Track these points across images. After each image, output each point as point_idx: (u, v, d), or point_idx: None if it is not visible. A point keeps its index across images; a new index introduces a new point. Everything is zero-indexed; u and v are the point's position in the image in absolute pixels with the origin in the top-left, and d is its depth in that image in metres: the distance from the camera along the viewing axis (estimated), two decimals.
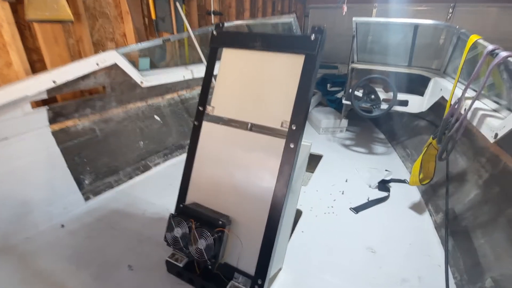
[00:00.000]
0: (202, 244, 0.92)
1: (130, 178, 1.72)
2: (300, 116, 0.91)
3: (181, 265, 1.03)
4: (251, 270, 0.95)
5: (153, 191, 1.63)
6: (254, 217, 0.96)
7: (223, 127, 1.06)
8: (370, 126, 2.90)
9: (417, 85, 2.30)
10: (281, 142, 0.93)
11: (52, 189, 1.41)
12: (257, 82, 1.00)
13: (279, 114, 0.95)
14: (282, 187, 0.92)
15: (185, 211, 1.01)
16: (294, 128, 0.91)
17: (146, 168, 1.83)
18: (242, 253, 0.95)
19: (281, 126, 0.93)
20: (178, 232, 0.97)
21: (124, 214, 1.43)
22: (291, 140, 0.91)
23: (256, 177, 0.98)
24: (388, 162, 2.12)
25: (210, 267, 0.92)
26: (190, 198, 1.10)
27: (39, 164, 1.38)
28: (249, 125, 1.01)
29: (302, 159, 1.00)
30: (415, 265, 1.18)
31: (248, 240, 0.95)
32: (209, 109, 1.07)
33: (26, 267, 1.09)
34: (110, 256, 1.16)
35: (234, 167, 1.01)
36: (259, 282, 0.92)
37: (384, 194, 1.67)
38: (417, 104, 2.13)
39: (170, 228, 0.98)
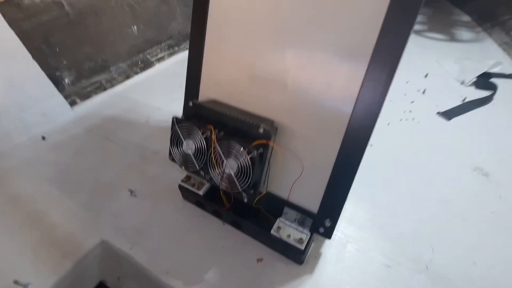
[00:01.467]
0: (231, 166, 0.53)
1: (127, 77, 1.29)
2: None
3: (200, 192, 0.69)
4: (313, 206, 0.58)
5: (158, 94, 1.22)
6: (321, 126, 0.53)
7: None
8: (447, 6, 2.09)
9: None
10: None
11: (20, 90, 1.02)
12: None
13: None
14: (378, 83, 0.45)
15: (199, 113, 0.59)
16: None
17: (147, 64, 1.37)
18: (298, 180, 0.57)
19: None
20: (188, 146, 0.57)
21: (121, 123, 1.06)
22: None
23: (329, 59, 0.50)
24: (482, 51, 1.49)
25: (245, 200, 0.55)
26: (204, 94, 0.66)
27: None
28: None
29: None
30: None
31: (307, 161, 0.56)
32: None
33: None
34: (105, 177, 0.84)
35: (286, 39, 0.52)
36: (327, 223, 0.57)
37: (486, 93, 1.15)
38: None
39: (175, 140, 0.59)
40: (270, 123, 0.56)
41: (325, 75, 0.51)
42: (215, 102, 0.63)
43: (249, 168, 0.51)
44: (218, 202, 0.67)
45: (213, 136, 0.53)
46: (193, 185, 0.70)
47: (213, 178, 0.56)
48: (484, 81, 1.19)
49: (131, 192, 0.79)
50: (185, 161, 0.59)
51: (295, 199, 0.60)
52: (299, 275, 0.60)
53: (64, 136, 1.01)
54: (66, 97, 1.11)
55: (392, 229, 0.69)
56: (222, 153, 0.53)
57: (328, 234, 0.57)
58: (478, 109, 1.08)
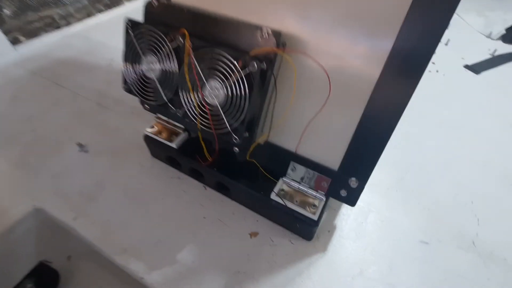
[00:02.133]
0: (214, 92, 0.34)
1: (88, 15, 1.04)
2: None
3: (173, 145, 0.50)
4: (332, 160, 0.41)
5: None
6: (353, 37, 0.34)
7: None
8: None
9: None
10: None
11: None
12: None
13: None
14: None
15: (167, 17, 0.39)
16: None
17: (115, 2, 1.11)
18: (313, 125, 0.39)
19: None
20: (150, 65, 0.37)
21: (77, 66, 0.83)
22: None
23: None
24: (501, 4, 1.32)
25: (236, 148, 0.37)
26: None
27: None
28: None
29: None
30: None
31: (321, 94, 0.37)
32: None
33: None
34: (47, 128, 0.63)
35: None
36: (353, 184, 0.40)
37: None
38: None
39: (130, 56, 0.39)
40: (277, 34, 0.37)
41: None
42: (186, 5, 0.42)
43: (244, 93, 0.32)
44: (198, 157, 0.48)
45: (187, 43, 0.33)
46: (162, 134, 0.51)
47: (188, 113, 0.37)
48: None
49: (81, 146, 0.59)
50: (146, 90, 0.39)
51: (306, 150, 0.42)
52: (308, 255, 0.44)
53: (1, 79, 0.77)
54: (6, 33, 0.86)
55: (425, 196, 0.53)
56: (202, 70, 0.34)
57: (352, 199, 0.41)
58: (510, 63, 0.92)
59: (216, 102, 0.34)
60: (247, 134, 0.36)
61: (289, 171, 0.44)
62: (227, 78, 0.32)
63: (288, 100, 0.38)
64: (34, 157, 0.57)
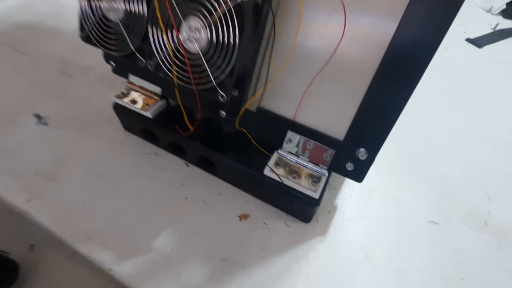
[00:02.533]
0: (194, 33, 0.26)
1: None
2: None
3: (148, 114, 0.42)
4: (337, 128, 0.34)
5: None
6: None
7: None
8: None
9: None
10: None
11: None
12: None
13: None
14: None
15: None
16: None
17: None
18: (315, 85, 0.32)
19: None
20: (110, 1, 0.29)
21: (39, 31, 0.72)
22: None
23: None
24: None
25: (223, 114, 0.30)
26: None
27: None
28: None
29: None
30: None
31: (325, 46, 0.30)
32: None
33: None
34: (2, 98, 0.54)
35: None
36: (361, 155, 0.33)
37: None
38: None
39: None
40: None
41: None
42: None
43: (233, 33, 0.25)
44: (178, 127, 0.41)
45: None
46: (135, 103, 0.43)
47: (162, 65, 0.29)
48: None
49: (39, 118, 0.50)
50: (108, 36, 0.31)
51: (306, 117, 0.35)
52: (306, 238, 0.39)
53: None
54: None
55: (432, 172, 0.48)
56: (177, 5, 0.26)
57: (360, 173, 0.35)
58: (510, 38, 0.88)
59: (197, 47, 0.27)
60: (236, 93, 0.29)
61: (285, 143, 0.38)
62: (210, 14, 0.25)
63: (288, 48, 0.30)
64: None
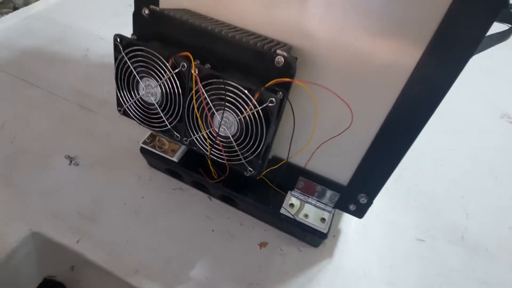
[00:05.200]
0: (227, 124, 0.32)
1: None
2: None
3: (175, 159, 0.48)
4: (341, 176, 0.41)
5: (99, 15, 0.87)
6: (371, 55, 0.32)
7: None
8: None
9: None
10: None
11: None
12: None
13: None
14: None
15: (161, 30, 0.34)
16: None
17: None
18: (323, 144, 0.38)
19: None
20: (149, 89, 0.34)
21: (46, 58, 0.74)
22: None
23: None
24: None
25: (249, 173, 0.36)
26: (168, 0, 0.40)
27: None
28: None
29: None
30: None
31: (333, 110, 0.36)
32: None
33: None
34: (27, 138, 0.58)
35: None
36: (362, 200, 0.41)
37: (504, 27, 0.99)
38: None
39: (124, 79, 0.34)
40: (288, 48, 0.34)
41: None
42: (187, 12, 0.37)
43: (260, 126, 0.30)
44: (203, 171, 0.47)
45: (194, 72, 0.30)
46: (161, 148, 0.49)
47: (197, 142, 0.35)
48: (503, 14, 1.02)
49: (70, 159, 0.55)
50: (146, 115, 0.36)
51: (316, 166, 0.42)
52: (316, 261, 0.47)
53: None
54: None
55: (421, 192, 0.56)
56: (211, 101, 0.31)
57: (361, 213, 0.42)
58: (496, 46, 0.93)
59: (228, 133, 0.32)
60: (260, 162, 0.35)
61: (298, 184, 0.44)
62: (241, 111, 0.30)
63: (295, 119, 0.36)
64: (19, 174, 0.53)
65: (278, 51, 0.30)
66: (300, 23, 0.32)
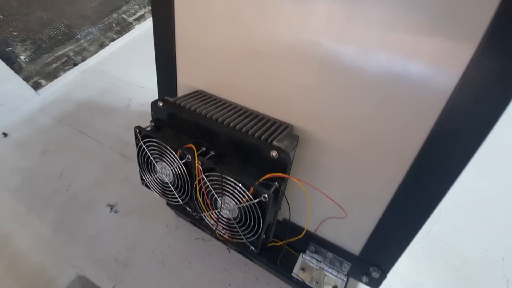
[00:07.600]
0: (228, 208, 0.34)
1: (101, 46, 1.04)
2: None
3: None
4: (353, 245, 0.40)
5: (140, 65, 0.98)
6: (375, 134, 0.32)
7: None
8: None
9: None
10: None
11: None
12: None
13: None
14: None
15: (174, 116, 0.38)
16: None
17: (124, 26, 1.10)
18: (330, 207, 0.38)
19: None
20: (164, 171, 0.38)
21: (97, 109, 0.86)
22: None
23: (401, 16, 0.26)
24: None
25: (253, 250, 0.38)
26: (184, 81, 0.44)
27: None
28: None
29: None
30: None
31: (348, 190, 0.36)
32: None
33: None
34: (79, 186, 0.68)
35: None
36: (374, 274, 0.39)
37: None
38: None
39: (144, 160, 0.39)
40: (286, 129, 0.35)
41: (391, 47, 0.28)
42: (199, 95, 0.41)
43: (257, 215, 0.32)
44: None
45: (197, 164, 0.33)
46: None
47: (205, 219, 0.38)
48: None
49: (111, 207, 0.62)
50: (163, 190, 0.41)
51: (325, 233, 0.42)
52: None
53: (29, 130, 0.82)
54: (26, 79, 0.89)
55: (453, 252, 0.52)
56: (214, 188, 0.34)
57: (375, 285, 0.41)
58: None
59: (230, 216, 0.35)
60: (264, 237, 0.36)
61: (308, 250, 0.44)
62: (239, 200, 0.32)
63: (301, 197, 0.37)
64: (70, 219, 0.62)
65: (274, 143, 0.32)
66: (302, 106, 0.34)
